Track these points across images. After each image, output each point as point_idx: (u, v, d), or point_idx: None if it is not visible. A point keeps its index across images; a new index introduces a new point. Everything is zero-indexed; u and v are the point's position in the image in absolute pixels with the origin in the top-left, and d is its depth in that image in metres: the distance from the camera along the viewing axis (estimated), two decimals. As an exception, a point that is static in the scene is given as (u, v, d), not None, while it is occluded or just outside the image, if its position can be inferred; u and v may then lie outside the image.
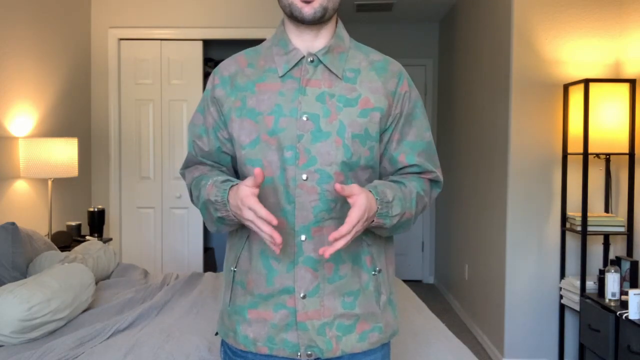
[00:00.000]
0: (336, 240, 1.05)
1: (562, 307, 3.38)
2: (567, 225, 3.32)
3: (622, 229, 3.09)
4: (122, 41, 4.36)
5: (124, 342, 2.06)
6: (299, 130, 1.16)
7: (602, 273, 2.94)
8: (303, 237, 1.16)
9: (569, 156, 3.37)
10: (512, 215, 3.43)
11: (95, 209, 3.73)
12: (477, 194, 4.20)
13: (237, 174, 1.31)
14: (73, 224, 3.63)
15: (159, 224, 4.42)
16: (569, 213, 3.31)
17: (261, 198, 1.18)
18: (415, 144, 1.25)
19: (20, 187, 3.29)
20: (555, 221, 3.42)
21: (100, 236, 3.76)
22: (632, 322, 2.57)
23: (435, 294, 5.40)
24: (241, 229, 1.24)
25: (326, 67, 1.20)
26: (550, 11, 3.35)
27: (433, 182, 1.29)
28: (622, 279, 2.91)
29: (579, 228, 3.15)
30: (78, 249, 3.01)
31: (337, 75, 1.20)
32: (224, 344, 1.30)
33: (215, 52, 5.84)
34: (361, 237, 1.21)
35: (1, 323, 2.02)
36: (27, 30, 3.37)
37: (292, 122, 1.16)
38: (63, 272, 2.37)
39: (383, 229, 1.16)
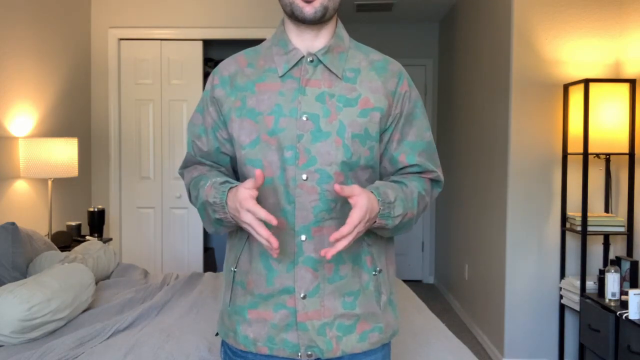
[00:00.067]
0: (337, 241, 1.04)
1: (562, 307, 3.38)
2: (567, 225, 3.32)
3: (622, 229, 3.09)
4: (122, 41, 4.36)
5: (124, 342, 2.06)
6: (298, 130, 1.16)
7: (602, 273, 2.94)
8: (303, 237, 1.16)
9: (569, 156, 3.37)
10: (512, 215, 3.43)
11: (95, 209, 3.73)
12: (477, 194, 4.20)
13: (236, 174, 1.30)
14: (73, 224, 3.63)
15: (159, 224, 4.42)
16: (569, 213, 3.31)
17: (261, 198, 1.18)
18: (415, 143, 1.25)
19: (20, 187, 3.29)
20: (555, 221, 3.42)
21: (100, 236, 3.76)
22: (632, 322, 2.57)
23: (435, 294, 5.40)
24: (241, 229, 1.24)
25: (326, 67, 1.20)
26: (550, 11, 3.35)
27: (434, 181, 1.29)
28: (622, 279, 2.91)
29: (579, 228, 3.15)
30: (78, 249, 3.01)
31: (337, 75, 1.20)
32: (224, 344, 1.30)
33: (215, 52, 5.84)
34: (362, 237, 1.21)
35: (1, 323, 2.02)
36: (27, 30, 3.37)
37: (292, 122, 1.16)
38: (63, 272, 2.37)
39: (385, 229, 1.16)
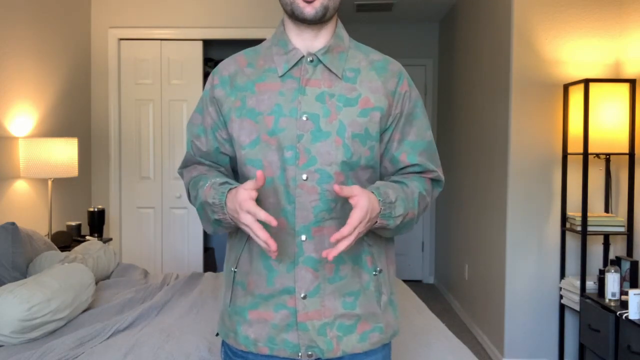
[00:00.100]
0: (338, 241, 1.04)
1: (562, 307, 3.38)
2: (567, 225, 3.32)
3: (622, 229, 3.09)
4: (122, 41, 4.36)
5: (124, 342, 2.06)
6: (299, 130, 1.16)
7: (602, 273, 2.94)
8: (303, 237, 1.16)
9: (569, 156, 3.37)
10: (512, 215, 3.43)
11: (95, 209, 3.73)
12: (477, 194, 4.20)
13: (236, 174, 1.30)
14: (73, 224, 3.63)
15: (159, 224, 4.42)
16: (569, 213, 3.31)
17: (261, 198, 1.18)
18: (416, 143, 1.25)
19: (20, 187, 3.29)
20: (555, 221, 3.42)
21: (100, 236, 3.76)
22: (632, 322, 2.57)
23: (435, 294, 5.40)
24: (241, 230, 1.24)
25: (326, 66, 1.20)
26: (550, 11, 3.35)
27: (434, 181, 1.29)
28: (622, 279, 2.91)
29: (579, 228, 3.15)
30: (78, 249, 3.01)
31: (337, 75, 1.19)
32: (224, 344, 1.30)
33: (215, 52, 5.84)
34: (362, 237, 1.21)
35: (1, 323, 2.02)
36: (27, 30, 3.37)
37: (292, 122, 1.16)
38: (63, 272, 2.37)
39: (386, 230, 1.16)
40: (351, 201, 1.06)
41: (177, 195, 4.40)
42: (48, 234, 3.42)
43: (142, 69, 4.37)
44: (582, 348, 3.18)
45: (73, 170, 3.32)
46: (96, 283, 2.93)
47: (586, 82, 3.05)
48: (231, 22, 4.35)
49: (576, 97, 3.18)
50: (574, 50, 3.34)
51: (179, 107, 4.40)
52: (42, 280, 2.24)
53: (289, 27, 1.22)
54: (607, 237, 3.28)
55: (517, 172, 3.41)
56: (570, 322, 3.42)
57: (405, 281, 5.86)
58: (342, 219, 1.18)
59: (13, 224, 2.55)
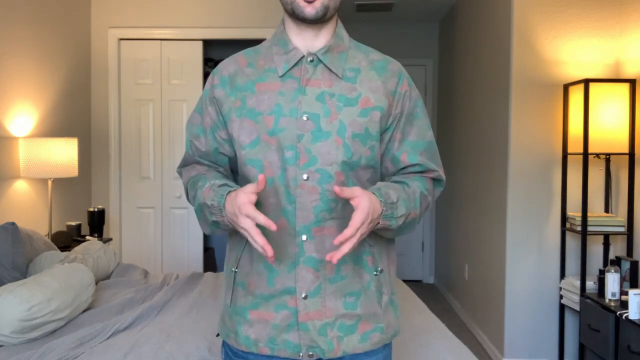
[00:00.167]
0: (341, 243, 1.04)
1: (562, 307, 3.38)
2: (567, 225, 3.32)
3: (622, 229, 3.09)
4: (122, 41, 4.36)
5: (124, 342, 2.06)
6: (299, 130, 1.16)
7: (602, 273, 2.94)
8: (304, 237, 1.16)
9: (569, 156, 3.37)
10: (512, 215, 3.43)
11: (95, 209, 3.73)
12: (477, 194, 4.20)
13: (235, 174, 1.30)
14: (73, 224, 3.63)
15: (159, 224, 4.42)
16: (569, 213, 3.31)
17: (261, 198, 1.18)
18: (417, 143, 1.25)
19: (20, 187, 3.29)
20: (555, 221, 3.42)
21: (100, 236, 3.76)
22: (632, 322, 2.57)
23: (435, 294, 5.40)
24: (241, 230, 1.24)
25: (326, 66, 1.19)
26: (550, 11, 3.35)
27: (435, 181, 1.29)
28: (622, 279, 2.91)
29: (579, 228, 3.15)
30: (78, 249, 3.01)
31: (337, 75, 1.19)
32: (225, 344, 1.29)
33: (215, 52, 5.84)
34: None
35: (1, 323, 2.02)
36: (27, 30, 3.37)
37: (292, 122, 1.16)
38: (63, 272, 2.37)
39: (389, 230, 1.16)
40: (352, 202, 1.05)
41: (177, 195, 4.40)
42: (48, 234, 3.42)
43: (142, 69, 4.37)
44: (582, 348, 3.18)
45: (73, 170, 3.32)
46: (96, 283, 2.93)
47: (586, 82, 3.05)
48: (231, 22, 4.35)
49: (576, 97, 3.18)
50: (574, 50, 3.34)
51: (179, 107, 4.40)
52: (42, 280, 2.23)
53: (289, 27, 1.22)
54: (607, 237, 3.28)
55: (517, 172, 3.41)
56: (570, 322, 3.42)
57: (405, 281, 5.86)
58: (342, 219, 1.18)
59: (13, 224, 2.55)
